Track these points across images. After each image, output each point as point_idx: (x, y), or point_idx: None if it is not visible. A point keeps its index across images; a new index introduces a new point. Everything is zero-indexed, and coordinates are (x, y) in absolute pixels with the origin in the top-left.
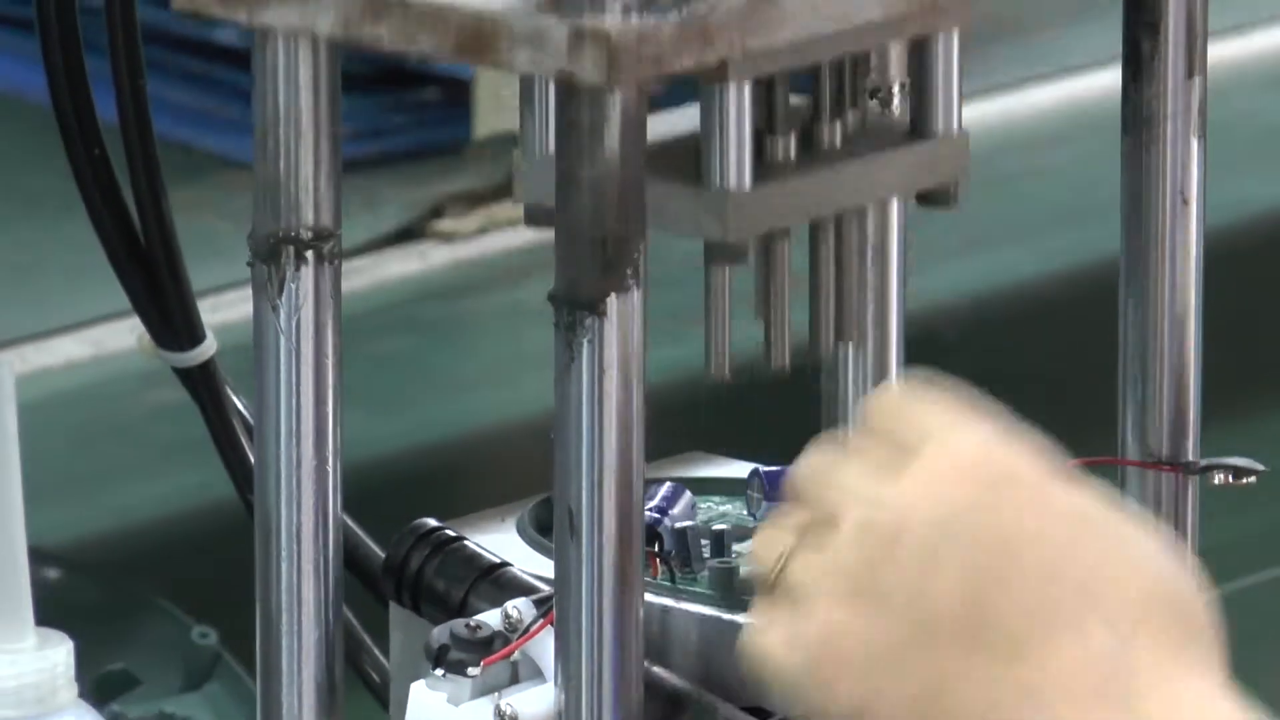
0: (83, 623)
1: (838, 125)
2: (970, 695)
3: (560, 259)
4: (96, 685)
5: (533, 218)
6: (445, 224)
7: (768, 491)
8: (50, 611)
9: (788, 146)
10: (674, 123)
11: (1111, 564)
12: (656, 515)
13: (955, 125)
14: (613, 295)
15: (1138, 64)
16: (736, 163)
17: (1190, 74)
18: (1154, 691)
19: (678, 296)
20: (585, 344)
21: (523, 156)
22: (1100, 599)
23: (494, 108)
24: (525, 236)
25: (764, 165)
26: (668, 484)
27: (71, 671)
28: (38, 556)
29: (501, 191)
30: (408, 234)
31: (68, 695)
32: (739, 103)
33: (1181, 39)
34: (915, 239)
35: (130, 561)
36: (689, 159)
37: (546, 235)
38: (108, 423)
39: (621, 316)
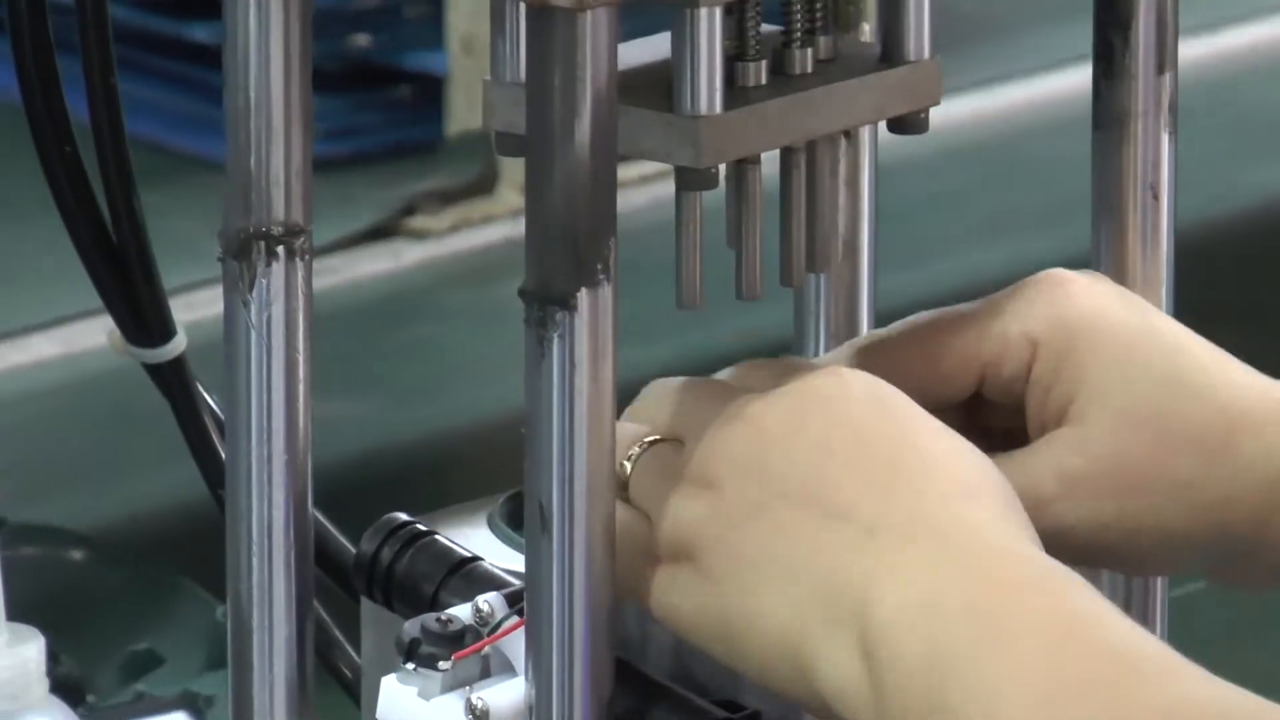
0: (108, 603)
1: (809, 52)
2: (806, 549)
3: (531, 254)
4: (122, 665)
5: (503, 146)
6: (418, 222)
7: None
8: (76, 593)
9: (759, 72)
10: (646, 50)
11: (950, 456)
12: None
13: (926, 52)
14: (583, 290)
15: (1109, 61)
16: (708, 88)
17: (1161, 70)
18: (990, 544)
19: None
20: (556, 339)
21: (493, 83)
22: (938, 477)
23: (467, 106)
24: (498, 234)
25: (735, 91)
26: None
27: (44, 667)
28: (63, 539)
29: (474, 189)
30: (381, 232)
31: (39, 691)
32: (710, 27)
33: (1152, 36)
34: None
35: (154, 544)
36: (661, 87)
37: (519, 232)
38: (127, 413)
39: (592, 312)
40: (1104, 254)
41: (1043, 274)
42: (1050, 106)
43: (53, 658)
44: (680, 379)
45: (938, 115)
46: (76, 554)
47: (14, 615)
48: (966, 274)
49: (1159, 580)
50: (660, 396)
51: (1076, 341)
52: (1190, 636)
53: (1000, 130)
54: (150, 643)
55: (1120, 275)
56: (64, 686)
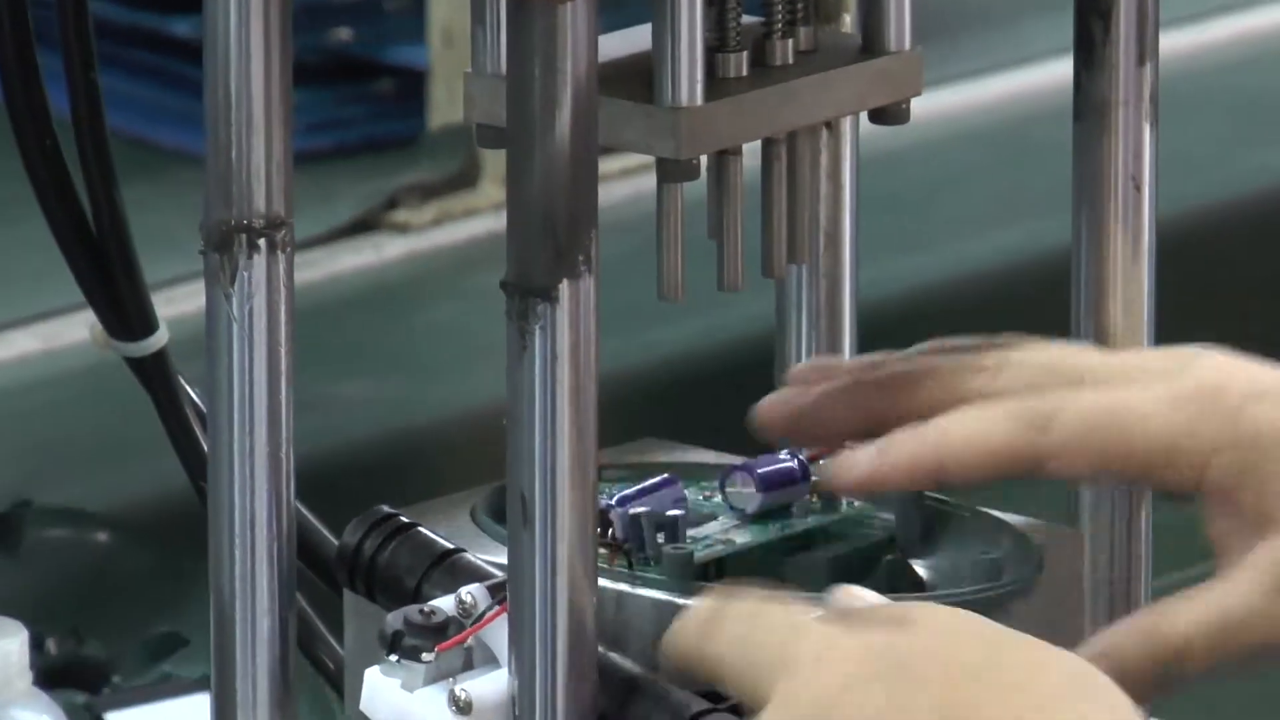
0: (132, 585)
1: (790, 43)
2: None
3: (512, 246)
4: (146, 646)
5: (484, 138)
6: (400, 215)
7: (759, 484)
8: (99, 575)
9: (740, 64)
10: (626, 42)
11: (1066, 687)
12: (609, 502)
13: (908, 42)
14: (565, 282)
15: (1089, 51)
16: (688, 79)
17: (1142, 61)
18: None
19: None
20: (537, 331)
21: (473, 75)
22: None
23: (448, 99)
24: (480, 227)
25: (716, 82)
26: (664, 475)
27: (26, 660)
28: (86, 521)
29: (456, 182)
30: (362, 225)
31: (22, 684)
32: (691, 18)
33: (1133, 26)
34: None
35: (176, 525)
36: (641, 78)
37: (501, 226)
38: (110, 407)
39: (574, 303)
40: (1084, 245)
41: (1199, 373)
42: (1031, 99)
43: (77, 639)
44: (749, 603)
45: (919, 106)
46: (100, 536)
47: (40, 596)
48: (956, 266)
49: (1143, 574)
50: (739, 642)
51: (1258, 451)
52: None
53: (981, 122)
54: (174, 625)
55: (1101, 267)
56: (89, 668)
